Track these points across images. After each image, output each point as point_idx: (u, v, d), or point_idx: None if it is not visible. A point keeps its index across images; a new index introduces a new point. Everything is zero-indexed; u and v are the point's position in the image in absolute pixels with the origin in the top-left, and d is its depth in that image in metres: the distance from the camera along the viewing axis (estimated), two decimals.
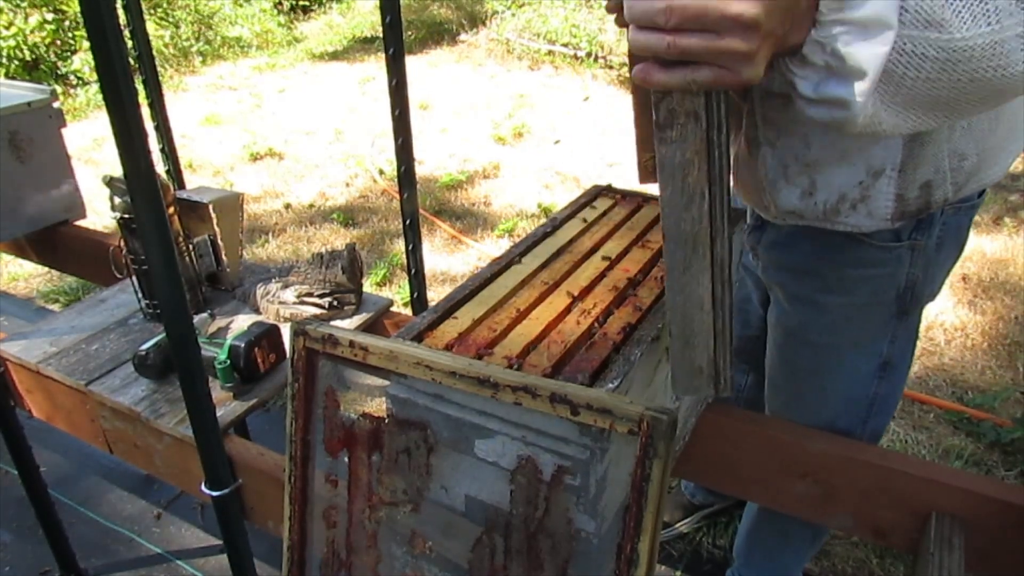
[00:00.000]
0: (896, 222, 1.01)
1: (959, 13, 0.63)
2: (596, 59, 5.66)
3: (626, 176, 3.98)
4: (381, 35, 1.44)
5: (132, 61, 1.17)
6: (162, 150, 1.93)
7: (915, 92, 0.67)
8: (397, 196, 1.70)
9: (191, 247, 1.53)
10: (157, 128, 1.90)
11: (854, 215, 1.02)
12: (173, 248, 0.93)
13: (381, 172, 4.33)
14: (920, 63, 0.65)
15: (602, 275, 1.06)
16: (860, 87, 0.65)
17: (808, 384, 1.26)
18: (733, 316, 0.76)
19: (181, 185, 2.01)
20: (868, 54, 0.63)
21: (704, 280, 0.71)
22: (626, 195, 1.35)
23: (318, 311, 1.51)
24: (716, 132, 0.64)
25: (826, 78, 0.66)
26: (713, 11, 0.56)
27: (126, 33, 1.65)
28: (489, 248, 3.44)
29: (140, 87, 1.81)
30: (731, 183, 1.01)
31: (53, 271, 3.16)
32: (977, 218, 3.49)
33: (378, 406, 0.85)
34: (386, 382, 0.82)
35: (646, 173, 1.12)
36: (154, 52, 1.91)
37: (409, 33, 6.48)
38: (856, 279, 1.12)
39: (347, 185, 4.26)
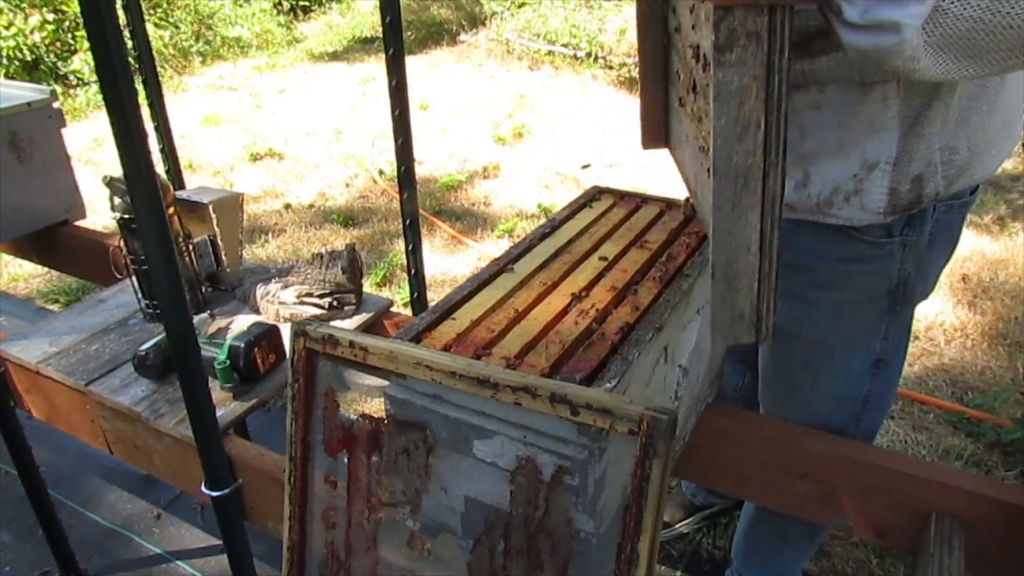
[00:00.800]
0: (888, 216, 1.01)
1: None
2: (596, 59, 5.66)
3: (626, 176, 3.98)
4: (381, 35, 1.44)
5: (132, 61, 1.16)
6: (162, 150, 1.93)
7: (956, 31, 0.67)
8: (397, 196, 1.70)
9: (191, 247, 1.53)
10: (157, 128, 1.90)
11: (847, 208, 1.02)
12: (173, 248, 0.93)
13: (381, 172, 4.33)
14: None
15: (600, 275, 1.06)
16: (917, 9, 0.64)
17: (800, 381, 1.26)
18: (781, 257, 0.70)
19: (181, 185, 2.01)
20: None
21: (753, 219, 0.66)
22: (625, 195, 1.35)
23: (318, 311, 1.51)
24: (778, 56, 0.59)
25: (877, 2, 0.65)
26: None
27: (126, 33, 1.65)
28: (489, 248, 3.44)
29: (140, 87, 1.81)
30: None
31: (53, 271, 3.16)
32: (978, 219, 3.48)
33: (378, 407, 0.85)
34: (386, 383, 0.82)
35: (649, 137, 1.06)
36: (154, 52, 1.91)
37: (409, 33, 6.48)
38: (848, 275, 1.11)
39: (347, 185, 4.26)
